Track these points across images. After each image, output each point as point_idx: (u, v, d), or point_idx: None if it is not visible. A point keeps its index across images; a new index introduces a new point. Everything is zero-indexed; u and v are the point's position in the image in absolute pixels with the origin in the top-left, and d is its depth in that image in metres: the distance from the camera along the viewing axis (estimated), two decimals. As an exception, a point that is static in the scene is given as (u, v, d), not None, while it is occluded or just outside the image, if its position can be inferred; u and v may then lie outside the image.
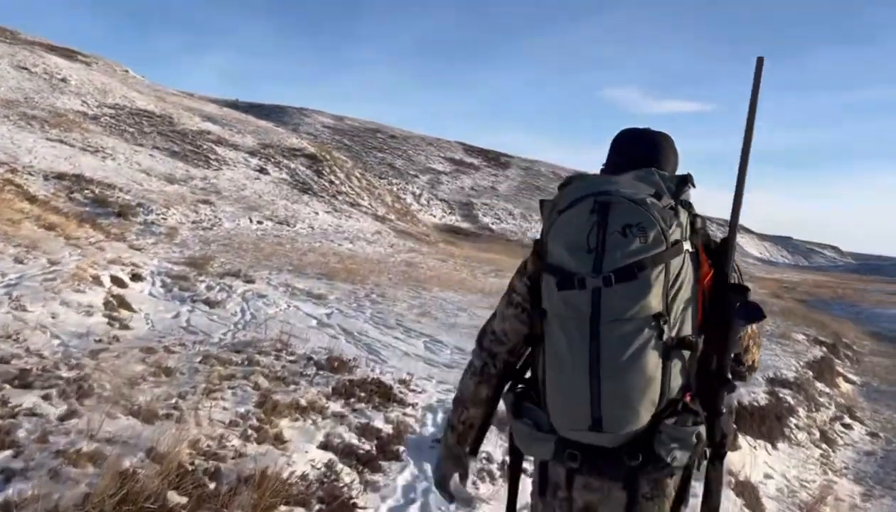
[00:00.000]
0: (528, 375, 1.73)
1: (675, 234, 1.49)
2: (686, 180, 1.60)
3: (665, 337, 1.46)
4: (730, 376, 1.60)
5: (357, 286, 11.18)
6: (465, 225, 56.08)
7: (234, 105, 67.04)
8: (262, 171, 31.01)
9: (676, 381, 1.51)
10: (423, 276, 13.72)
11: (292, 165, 34.45)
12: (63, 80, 30.60)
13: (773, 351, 11.96)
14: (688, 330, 1.52)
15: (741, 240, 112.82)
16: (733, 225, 1.63)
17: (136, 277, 8.08)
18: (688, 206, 1.57)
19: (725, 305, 1.58)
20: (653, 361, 1.45)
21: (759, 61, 1.64)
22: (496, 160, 75.06)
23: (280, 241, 15.53)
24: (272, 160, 33.58)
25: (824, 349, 14.15)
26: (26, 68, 29.89)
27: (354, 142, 64.59)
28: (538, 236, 1.68)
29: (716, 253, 1.62)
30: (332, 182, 35.18)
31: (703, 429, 1.52)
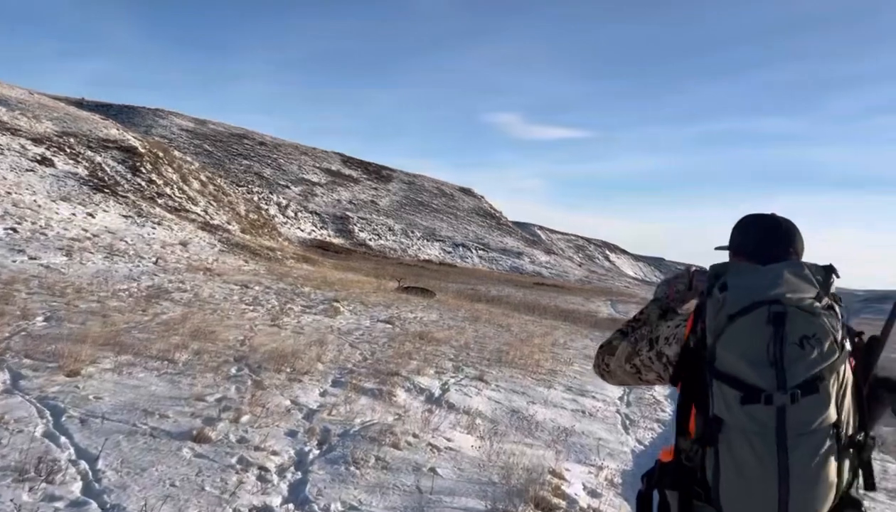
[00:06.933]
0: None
1: (839, 337, 1.44)
2: (831, 271, 1.53)
3: (842, 442, 1.43)
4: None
5: None
6: (338, 240, 48.28)
7: (80, 104, 56.52)
8: (42, 161, 22.16)
9: (846, 478, 1.46)
10: (88, 331, 6.12)
11: (98, 159, 25.77)
12: None
13: None
14: (852, 428, 1.47)
15: (618, 260, 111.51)
16: (889, 326, 1.54)
17: None
18: (839, 300, 1.51)
19: (872, 399, 1.53)
20: (834, 467, 1.41)
21: None
22: (377, 173, 67.76)
23: None
24: (68, 151, 24.74)
25: None
26: None
27: (217, 147, 55.42)
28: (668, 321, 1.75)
29: (864, 349, 1.54)
30: (152, 181, 26.72)
31: None
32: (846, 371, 1.44)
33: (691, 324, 1.58)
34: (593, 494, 4.19)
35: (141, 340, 5.87)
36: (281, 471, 3.56)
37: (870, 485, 1.51)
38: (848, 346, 1.46)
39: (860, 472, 1.49)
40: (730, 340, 1.44)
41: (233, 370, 5.46)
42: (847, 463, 1.45)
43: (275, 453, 3.76)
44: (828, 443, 1.39)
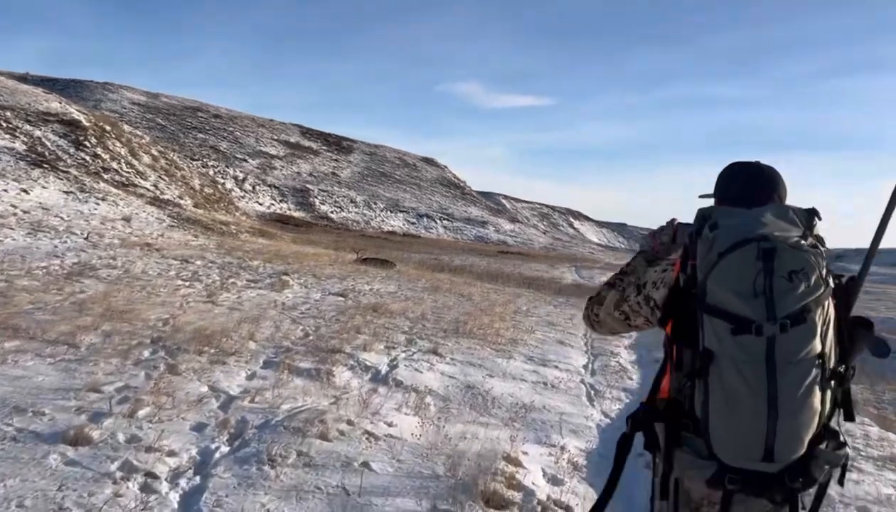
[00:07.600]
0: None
1: (824, 273, 1.49)
2: (814, 214, 1.59)
3: (827, 373, 1.47)
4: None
5: None
6: (298, 214, 47.07)
7: (24, 78, 53.89)
8: (-26, 136, 20.77)
9: (828, 409, 1.51)
10: None
11: (37, 133, 24.35)
12: None
13: None
14: (834, 362, 1.51)
15: (581, 227, 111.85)
16: (865, 268, 1.61)
17: None
18: (822, 241, 1.56)
19: (850, 338, 1.57)
20: (818, 396, 1.46)
21: None
22: (338, 145, 66.23)
23: None
24: (4, 125, 23.27)
25: None
26: None
27: (170, 121, 53.42)
28: (658, 265, 1.77)
29: (842, 289, 1.59)
30: (97, 156, 25.38)
31: (849, 449, 1.54)
32: (830, 306, 1.49)
33: (679, 266, 1.59)
34: (554, 480, 3.63)
35: (41, 323, 5.12)
36: (174, 477, 2.90)
37: (849, 415, 1.56)
38: (831, 282, 1.50)
39: (841, 403, 1.54)
40: (720, 275, 1.46)
41: (146, 354, 4.76)
42: (829, 393, 1.49)
43: (172, 454, 3.11)
44: (813, 372, 1.44)
